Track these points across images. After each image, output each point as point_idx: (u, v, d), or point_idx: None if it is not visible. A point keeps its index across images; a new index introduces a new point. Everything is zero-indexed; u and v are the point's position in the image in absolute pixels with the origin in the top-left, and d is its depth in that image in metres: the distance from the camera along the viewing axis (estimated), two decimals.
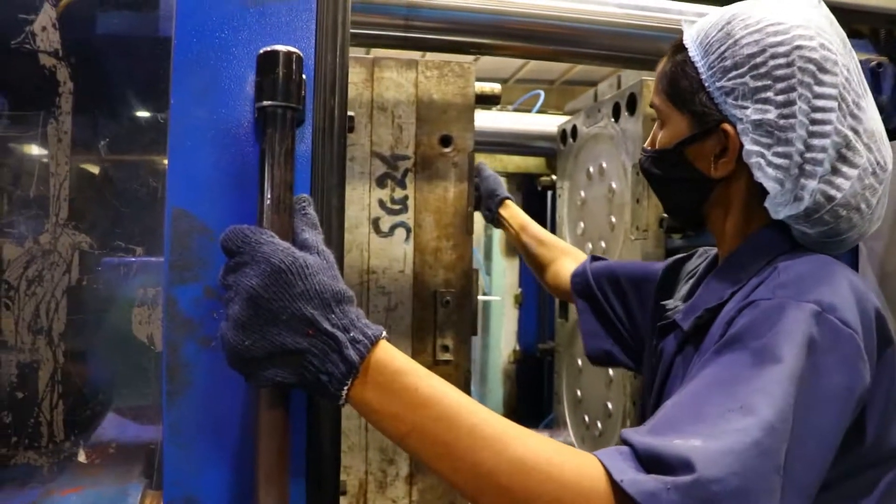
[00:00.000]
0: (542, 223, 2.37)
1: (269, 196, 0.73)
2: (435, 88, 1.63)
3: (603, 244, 1.84)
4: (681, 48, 1.00)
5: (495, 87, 1.71)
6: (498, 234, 2.49)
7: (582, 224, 1.96)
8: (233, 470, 0.78)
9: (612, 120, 1.79)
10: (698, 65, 0.96)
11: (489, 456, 0.69)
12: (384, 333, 0.74)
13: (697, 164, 0.99)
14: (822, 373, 0.78)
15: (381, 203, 1.60)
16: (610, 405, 1.79)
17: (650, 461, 0.69)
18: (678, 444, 0.69)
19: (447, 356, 1.61)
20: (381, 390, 0.72)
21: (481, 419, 0.71)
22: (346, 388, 0.70)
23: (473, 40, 1.46)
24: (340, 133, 0.81)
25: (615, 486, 0.67)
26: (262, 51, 0.75)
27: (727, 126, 0.93)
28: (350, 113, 1.45)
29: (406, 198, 1.61)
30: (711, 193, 1.01)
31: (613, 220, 1.79)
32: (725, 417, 0.72)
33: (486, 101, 1.71)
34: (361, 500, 1.60)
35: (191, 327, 0.78)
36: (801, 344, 0.77)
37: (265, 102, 0.74)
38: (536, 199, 2.41)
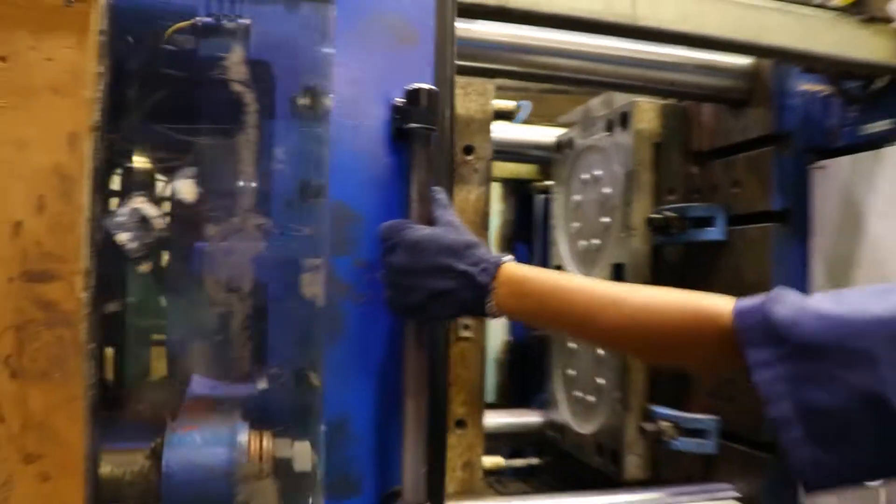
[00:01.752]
0: (531, 224, 2.63)
1: (415, 192, 1.01)
2: (460, 105, 1.88)
3: (596, 241, 2.13)
4: None
5: (510, 104, 2.00)
6: (493, 228, 2.70)
7: (576, 224, 2.24)
8: (377, 394, 1.05)
9: (606, 134, 2.08)
10: None
11: (609, 316, 0.89)
12: (508, 257, 0.98)
13: None
14: None
15: None
16: (599, 380, 2.07)
17: (772, 299, 0.81)
18: (805, 299, 0.78)
19: (468, 333, 1.88)
20: (515, 296, 0.95)
21: (598, 294, 0.91)
22: (488, 304, 0.96)
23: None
24: (450, 144, 1.09)
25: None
26: (410, 87, 1.03)
27: None
28: None
29: None
30: None
31: (605, 220, 2.08)
32: (864, 299, 0.77)
33: (503, 116, 1.99)
34: None
35: (344, 288, 1.05)
36: None
37: (413, 125, 1.01)
38: (528, 201, 2.70)
